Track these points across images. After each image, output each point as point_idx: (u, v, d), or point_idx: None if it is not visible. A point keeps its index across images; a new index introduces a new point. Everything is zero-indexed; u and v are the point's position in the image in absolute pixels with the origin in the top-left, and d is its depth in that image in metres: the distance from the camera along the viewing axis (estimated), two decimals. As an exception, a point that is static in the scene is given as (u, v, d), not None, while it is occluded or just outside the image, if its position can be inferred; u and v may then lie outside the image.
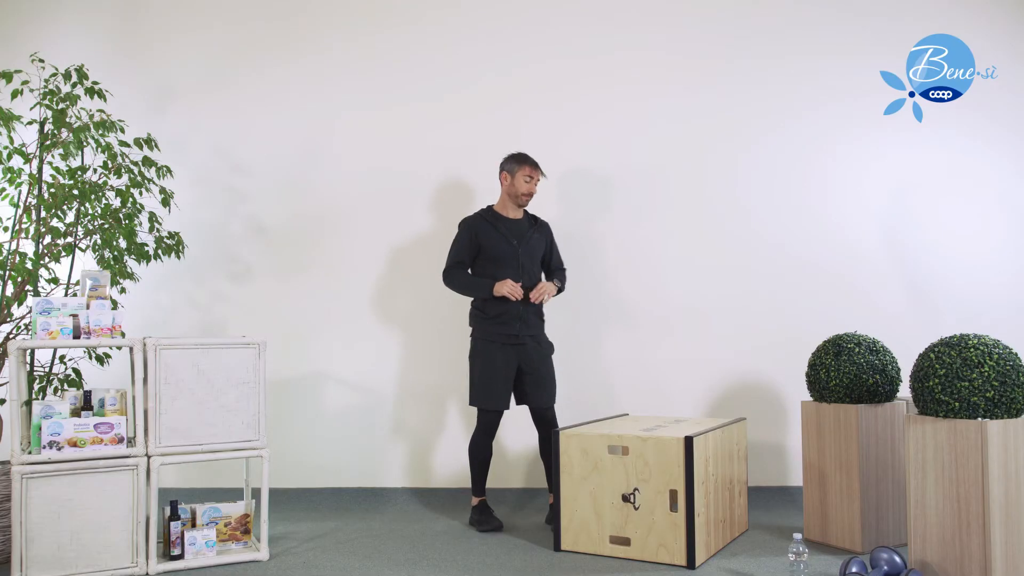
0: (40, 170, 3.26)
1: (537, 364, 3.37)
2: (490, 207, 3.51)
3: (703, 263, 3.94)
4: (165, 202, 3.50)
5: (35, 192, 3.24)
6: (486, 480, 3.44)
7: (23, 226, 3.23)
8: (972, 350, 2.45)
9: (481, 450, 3.38)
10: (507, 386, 3.34)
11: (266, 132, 4.04)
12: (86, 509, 2.70)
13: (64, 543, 2.67)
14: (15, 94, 3.23)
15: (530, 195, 3.44)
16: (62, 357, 3.32)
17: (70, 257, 3.37)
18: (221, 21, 4.08)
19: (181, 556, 2.84)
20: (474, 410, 3.38)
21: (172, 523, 2.85)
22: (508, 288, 3.27)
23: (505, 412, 3.35)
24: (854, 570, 2.50)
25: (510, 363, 3.33)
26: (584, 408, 3.66)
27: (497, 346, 3.33)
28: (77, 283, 3.23)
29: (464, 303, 3.53)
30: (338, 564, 2.87)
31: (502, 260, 3.37)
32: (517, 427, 3.85)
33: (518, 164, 3.42)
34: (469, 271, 3.44)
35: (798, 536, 2.54)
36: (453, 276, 3.41)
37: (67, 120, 3.26)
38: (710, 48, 3.98)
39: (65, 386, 3.25)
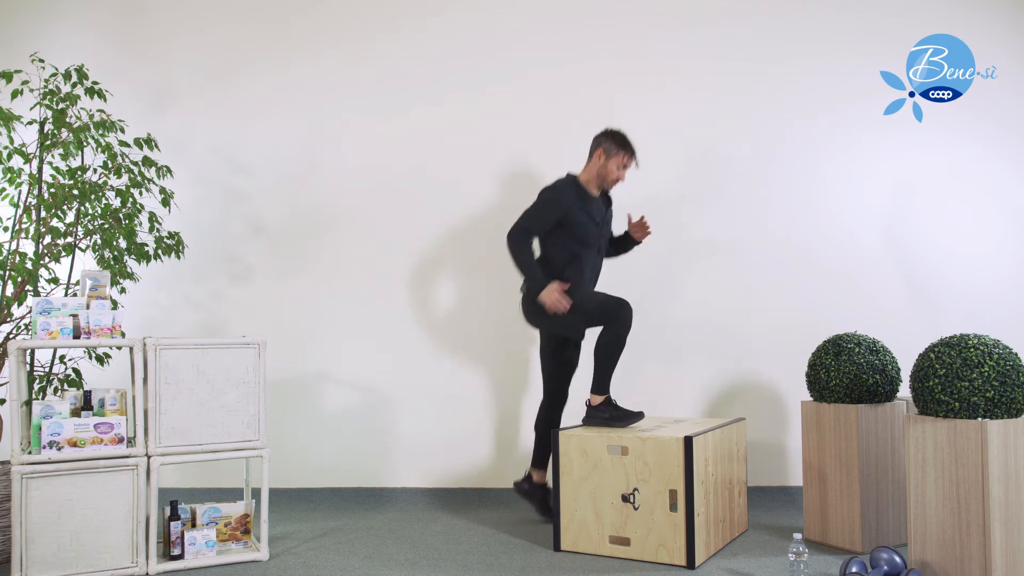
0: (40, 170, 3.26)
1: None
2: (575, 179, 3.31)
3: (702, 263, 3.94)
4: (165, 202, 3.50)
5: (35, 192, 3.24)
6: None
7: (23, 226, 3.23)
8: (972, 350, 2.44)
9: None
10: None
11: (266, 132, 4.03)
12: (86, 509, 2.70)
13: (64, 543, 2.67)
14: (15, 94, 3.23)
15: (618, 182, 3.33)
16: (62, 357, 3.33)
17: (70, 257, 3.37)
18: (221, 21, 4.08)
19: (181, 556, 2.85)
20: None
21: (172, 523, 2.86)
22: (553, 301, 3.14)
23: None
24: (854, 570, 2.50)
25: None
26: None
27: None
28: (77, 283, 3.23)
29: (466, 302, 3.54)
30: (338, 564, 2.87)
31: (586, 241, 3.25)
32: (518, 426, 3.86)
33: (618, 148, 3.27)
34: (536, 240, 3.29)
35: (798, 536, 2.54)
36: (521, 248, 3.18)
37: (67, 120, 3.26)
38: (708, 49, 3.98)
39: (65, 386, 3.25)
